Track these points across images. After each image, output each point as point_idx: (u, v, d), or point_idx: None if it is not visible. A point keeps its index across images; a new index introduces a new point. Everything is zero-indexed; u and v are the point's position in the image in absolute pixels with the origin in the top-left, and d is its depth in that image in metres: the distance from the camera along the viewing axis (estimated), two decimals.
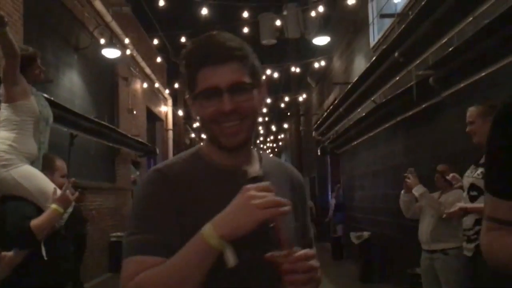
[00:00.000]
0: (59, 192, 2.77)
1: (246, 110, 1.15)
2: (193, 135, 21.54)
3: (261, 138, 24.04)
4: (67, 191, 2.79)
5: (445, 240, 4.06)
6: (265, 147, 26.94)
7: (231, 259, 1.01)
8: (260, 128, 20.72)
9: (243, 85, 1.14)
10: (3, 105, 2.90)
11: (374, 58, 6.23)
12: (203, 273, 1.03)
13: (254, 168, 1.21)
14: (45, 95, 3.10)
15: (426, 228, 4.21)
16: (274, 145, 26.07)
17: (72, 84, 8.78)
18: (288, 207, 1.03)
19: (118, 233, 9.98)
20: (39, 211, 2.76)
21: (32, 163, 2.91)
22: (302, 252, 1.06)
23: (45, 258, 2.72)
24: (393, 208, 6.12)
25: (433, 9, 4.35)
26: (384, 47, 5.83)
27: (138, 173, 13.23)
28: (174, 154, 16.73)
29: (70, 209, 2.94)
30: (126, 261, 1.09)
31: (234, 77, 1.13)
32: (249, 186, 1.05)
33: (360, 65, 8.72)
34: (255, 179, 1.14)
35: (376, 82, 6.29)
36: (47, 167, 2.97)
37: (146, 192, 1.16)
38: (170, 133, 16.69)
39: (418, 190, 4.18)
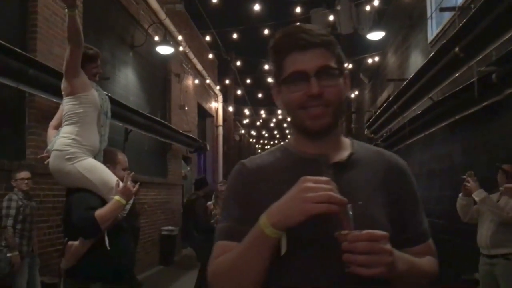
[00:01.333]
0: (121, 184, 2.85)
1: (332, 95, 1.15)
2: (242, 131, 21.64)
3: None
4: (129, 183, 2.85)
5: (507, 245, 3.90)
6: None
7: (282, 247, 1.04)
8: None
9: (330, 70, 1.16)
10: (65, 99, 2.97)
11: (432, 54, 5.97)
12: (262, 260, 1.06)
13: (340, 155, 1.21)
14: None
15: (486, 232, 4.07)
16: None
17: (127, 81, 9.01)
18: (341, 205, 1.00)
19: (169, 227, 10.19)
20: (103, 202, 2.84)
21: (95, 156, 2.99)
22: (365, 232, 1.00)
23: (108, 248, 2.79)
24: (448, 211, 5.87)
25: (496, 2, 4.10)
26: (444, 42, 5.56)
27: (188, 168, 13.44)
28: (223, 150, 16.90)
29: (131, 201, 3.01)
30: (214, 245, 1.20)
31: (321, 61, 1.14)
32: (307, 177, 1.03)
33: (416, 60, 8.41)
34: (338, 165, 1.18)
35: (434, 78, 6.03)
36: (109, 160, 3.04)
37: (228, 184, 1.28)
38: (220, 129, 16.84)
39: (479, 195, 4.01)
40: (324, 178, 1.03)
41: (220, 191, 7.38)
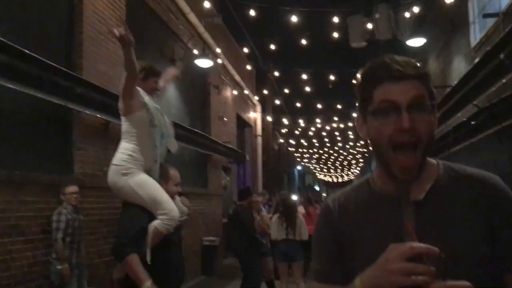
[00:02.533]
0: (172, 213, 2.98)
1: (423, 130, 1.08)
2: (281, 141, 21.63)
3: (351, 143, 23.56)
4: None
5: None
6: (354, 151, 26.37)
7: None
8: (350, 133, 20.30)
9: (423, 104, 1.09)
10: (123, 118, 3.21)
11: (477, 60, 5.82)
12: None
13: (422, 188, 1.13)
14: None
15: None
16: (365, 150, 25.42)
17: (168, 94, 9.20)
18: (428, 273, 0.93)
19: (210, 237, 10.27)
20: (151, 219, 2.91)
21: (149, 171, 3.11)
22: (441, 284, 0.94)
23: (148, 263, 2.85)
24: None
25: None
26: (488, 48, 5.41)
27: (228, 178, 13.54)
28: (263, 160, 16.94)
29: (183, 217, 3.14)
30: (309, 284, 1.30)
31: (414, 93, 1.08)
32: (393, 245, 0.99)
33: (459, 66, 8.21)
34: (417, 204, 1.10)
35: (479, 84, 5.88)
36: (161, 176, 3.15)
37: (316, 225, 1.31)
38: (259, 139, 16.90)
39: None
40: (407, 246, 0.96)
41: (255, 202, 7.40)
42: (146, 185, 3.05)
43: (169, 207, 3.01)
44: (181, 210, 3.54)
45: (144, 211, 2.97)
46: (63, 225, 4.87)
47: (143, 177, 3.08)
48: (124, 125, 3.21)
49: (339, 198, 1.26)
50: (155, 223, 2.95)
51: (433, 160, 1.21)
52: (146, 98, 3.25)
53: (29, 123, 5.14)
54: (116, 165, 3.15)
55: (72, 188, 5.10)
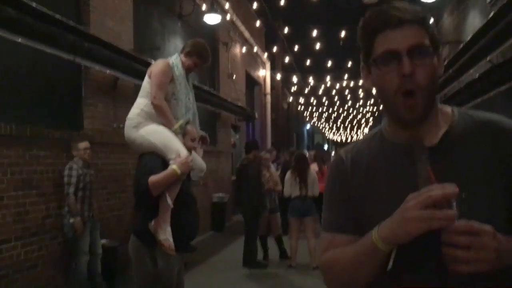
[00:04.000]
0: (182, 155, 2.96)
1: (424, 75, 1.07)
2: (291, 99, 21.50)
3: (361, 102, 23.35)
4: (190, 159, 2.98)
5: None
6: (365, 110, 26.18)
7: (390, 262, 1.06)
8: (360, 91, 20.09)
9: (423, 48, 1.08)
10: (147, 76, 3.25)
11: (492, 14, 5.65)
12: (371, 270, 1.08)
13: (436, 135, 1.12)
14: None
15: None
16: (375, 108, 25.23)
17: (176, 51, 9.09)
18: (445, 218, 0.94)
19: (220, 194, 10.41)
20: (165, 164, 2.97)
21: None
22: (464, 223, 0.95)
23: (171, 206, 2.91)
24: None
25: None
26: (504, 2, 5.24)
27: (237, 136, 13.58)
28: (272, 118, 16.91)
29: (202, 173, 3.39)
30: (321, 235, 1.28)
31: (414, 39, 1.08)
32: (410, 195, 0.99)
33: (474, 21, 7.99)
34: (433, 150, 1.10)
35: (493, 40, 5.72)
36: None
37: (328, 176, 1.32)
38: (268, 97, 16.81)
39: None
40: (426, 194, 0.96)
41: (264, 159, 7.44)
42: (158, 131, 3.10)
43: (177, 148, 3.01)
44: (201, 166, 3.56)
45: (156, 157, 3.00)
46: (74, 180, 4.95)
47: (154, 126, 3.13)
48: (144, 82, 3.25)
49: (351, 149, 1.26)
50: (169, 170, 2.96)
51: (447, 107, 1.19)
52: (179, 72, 3.27)
53: (39, 79, 5.14)
54: (129, 119, 3.21)
55: (85, 144, 5.16)
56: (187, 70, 3.35)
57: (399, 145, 1.16)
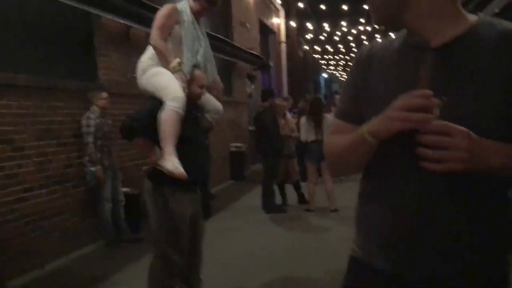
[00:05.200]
0: (178, 97, 2.96)
1: None
2: (306, 47, 21.11)
3: None
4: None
5: None
6: None
7: None
8: (377, 35, 19.57)
9: None
10: None
11: None
12: (362, 156, 1.21)
13: (442, 39, 1.12)
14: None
15: None
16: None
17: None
18: (418, 120, 1.00)
19: (238, 143, 10.49)
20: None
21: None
22: (435, 123, 1.00)
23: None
24: None
25: None
26: None
27: (253, 86, 13.49)
28: (288, 67, 16.69)
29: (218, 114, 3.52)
30: (333, 121, 1.38)
31: None
32: (402, 96, 1.04)
33: None
34: (441, 50, 1.11)
35: None
36: None
37: (350, 68, 1.37)
38: (283, 46, 16.51)
39: None
40: (414, 95, 1.02)
41: (279, 106, 7.41)
42: (158, 73, 3.10)
43: (173, 90, 2.99)
44: (215, 107, 3.56)
45: (160, 103, 3.01)
46: (92, 129, 5.03)
47: (157, 68, 3.13)
48: None
49: (373, 45, 1.31)
50: (164, 110, 2.96)
51: (472, 15, 1.16)
52: (187, 17, 3.21)
53: (52, 30, 5.13)
54: (139, 63, 3.22)
55: (104, 94, 5.22)
56: (196, 14, 3.29)
57: (412, 44, 1.18)
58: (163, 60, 3.11)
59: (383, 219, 1.20)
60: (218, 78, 3.58)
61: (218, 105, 3.58)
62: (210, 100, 3.49)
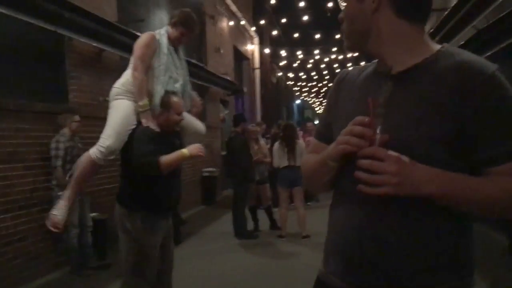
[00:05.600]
0: (108, 144, 2.97)
1: (345, 18, 1.25)
2: (280, 74, 21.39)
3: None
4: (201, 147, 3.02)
5: None
6: None
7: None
8: (349, 64, 20.03)
9: None
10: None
11: None
12: (323, 176, 1.28)
13: (402, 66, 1.18)
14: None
15: None
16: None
17: (161, 23, 8.99)
18: (355, 145, 1.10)
19: (210, 168, 10.44)
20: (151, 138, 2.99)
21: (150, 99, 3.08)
22: (368, 149, 1.08)
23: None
24: None
25: None
26: None
27: (227, 111, 13.54)
28: (261, 93, 16.85)
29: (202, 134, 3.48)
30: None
31: None
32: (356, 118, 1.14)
33: None
34: (398, 77, 1.17)
35: (477, 5, 5.71)
36: (163, 104, 3.09)
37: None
38: (257, 72, 16.71)
39: None
40: (357, 120, 1.12)
41: (252, 132, 7.46)
42: (114, 109, 3.07)
43: (107, 135, 2.99)
44: (197, 128, 3.54)
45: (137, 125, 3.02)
46: (62, 152, 4.93)
47: (119, 102, 3.08)
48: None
49: (350, 69, 1.39)
50: (88, 151, 3.00)
51: (436, 44, 1.21)
52: (163, 44, 3.19)
53: (22, 52, 5.06)
54: (113, 87, 3.17)
55: (77, 117, 5.15)
56: (175, 41, 3.27)
57: (378, 70, 1.26)
58: (135, 93, 3.06)
59: (332, 235, 1.29)
60: (195, 95, 3.57)
61: (200, 126, 3.56)
62: (191, 123, 3.47)
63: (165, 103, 3.12)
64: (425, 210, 1.10)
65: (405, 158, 1.05)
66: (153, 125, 3.00)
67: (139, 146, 2.94)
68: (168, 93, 3.17)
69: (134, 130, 3.06)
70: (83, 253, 5.22)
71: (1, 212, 4.45)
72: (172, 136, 3.15)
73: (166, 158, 2.89)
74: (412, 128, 1.10)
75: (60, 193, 4.87)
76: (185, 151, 2.97)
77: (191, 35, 3.36)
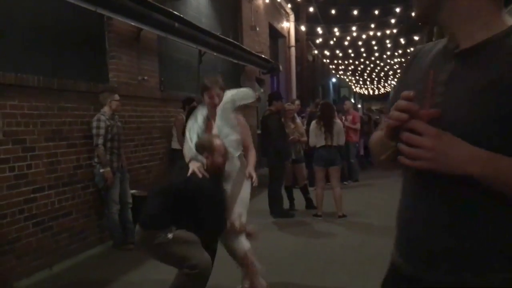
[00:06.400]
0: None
1: None
2: (316, 52, 21.09)
3: (388, 53, 22.72)
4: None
5: None
6: (392, 62, 25.51)
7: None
8: (388, 41, 19.53)
9: None
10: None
11: None
12: (382, 152, 1.25)
13: (470, 41, 1.12)
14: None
15: None
16: (403, 60, 24.56)
17: (198, 3, 8.98)
18: (397, 119, 1.09)
19: None
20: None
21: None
22: (412, 122, 1.06)
23: None
24: None
25: None
26: None
27: (262, 90, 13.49)
28: (297, 71, 16.68)
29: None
30: None
31: None
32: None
33: None
34: (463, 54, 1.12)
35: None
36: (205, 149, 3.27)
37: None
38: (293, 50, 16.50)
39: None
40: (403, 94, 1.10)
41: (288, 110, 7.41)
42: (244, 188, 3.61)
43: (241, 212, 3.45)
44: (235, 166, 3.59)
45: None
46: (103, 131, 5.05)
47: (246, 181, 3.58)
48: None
49: (424, 45, 1.34)
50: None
51: (510, 20, 1.12)
52: (203, 112, 3.57)
53: (63, 32, 5.17)
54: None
55: (117, 96, 5.26)
56: (210, 104, 3.52)
57: (446, 47, 1.20)
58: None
59: (397, 220, 1.26)
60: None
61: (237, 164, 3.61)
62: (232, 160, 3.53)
63: (207, 147, 3.23)
64: (478, 194, 1.06)
65: (446, 134, 1.03)
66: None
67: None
68: (208, 135, 3.33)
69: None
70: (124, 229, 5.38)
71: (46, 188, 4.61)
72: (219, 183, 3.32)
73: None
74: (468, 107, 1.05)
75: (102, 170, 5.02)
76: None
77: (213, 91, 3.49)
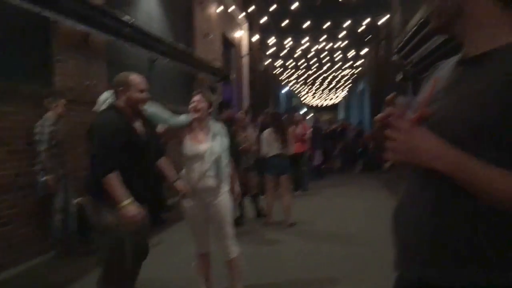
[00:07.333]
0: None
1: None
2: (268, 61, 21.29)
3: (337, 65, 23.25)
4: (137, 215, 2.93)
5: None
6: (341, 75, 26.12)
7: None
8: (337, 53, 20.01)
9: None
10: None
11: None
12: None
13: (477, 50, 1.16)
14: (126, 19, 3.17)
15: None
16: (353, 71, 25.21)
17: (149, 8, 8.87)
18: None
19: None
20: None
21: None
22: (390, 119, 1.14)
23: None
24: None
25: None
26: None
27: (215, 97, 13.44)
28: (250, 81, 16.77)
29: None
30: None
31: None
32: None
33: None
34: (465, 62, 1.19)
35: None
36: (119, 84, 3.08)
37: None
38: (245, 59, 16.60)
39: None
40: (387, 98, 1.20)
41: (239, 120, 7.42)
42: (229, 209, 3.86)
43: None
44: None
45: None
46: (46, 136, 4.87)
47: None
48: None
49: (446, 61, 1.36)
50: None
51: None
52: None
53: (7, 34, 4.95)
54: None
55: (63, 101, 5.09)
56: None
57: (460, 58, 1.25)
58: None
59: (394, 222, 1.30)
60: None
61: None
62: (158, 114, 3.46)
63: (121, 82, 3.03)
64: (454, 191, 1.08)
65: (420, 129, 1.09)
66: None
67: (104, 137, 2.90)
68: (123, 72, 3.10)
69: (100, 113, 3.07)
70: (67, 239, 5.18)
71: None
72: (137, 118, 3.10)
73: (112, 184, 2.83)
74: (459, 111, 1.10)
75: (45, 178, 4.82)
76: (126, 202, 2.85)
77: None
